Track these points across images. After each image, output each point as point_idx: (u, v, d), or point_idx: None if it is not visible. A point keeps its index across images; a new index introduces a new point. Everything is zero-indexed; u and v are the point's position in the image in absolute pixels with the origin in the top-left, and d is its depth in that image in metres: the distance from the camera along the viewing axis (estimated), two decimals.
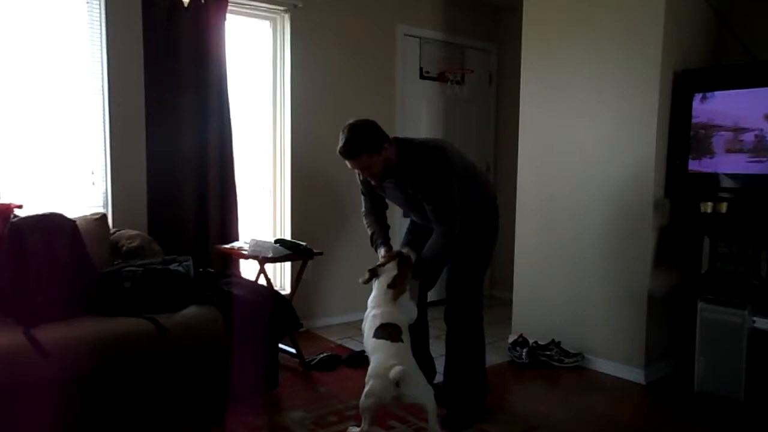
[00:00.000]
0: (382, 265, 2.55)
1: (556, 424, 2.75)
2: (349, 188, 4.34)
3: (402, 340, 2.37)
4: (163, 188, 3.46)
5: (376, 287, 2.53)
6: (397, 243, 2.91)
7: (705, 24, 3.36)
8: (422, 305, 3.00)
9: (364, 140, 2.49)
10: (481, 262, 2.77)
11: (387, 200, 2.85)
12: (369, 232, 2.85)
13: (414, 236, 2.86)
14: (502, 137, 5.15)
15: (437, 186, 2.53)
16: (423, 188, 2.55)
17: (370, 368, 2.30)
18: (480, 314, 2.78)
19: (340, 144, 2.50)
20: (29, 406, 2.23)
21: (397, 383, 2.20)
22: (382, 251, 2.71)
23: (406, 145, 2.61)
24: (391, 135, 4.71)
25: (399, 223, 4.70)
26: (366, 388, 2.25)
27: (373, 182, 2.67)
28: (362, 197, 2.88)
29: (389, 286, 2.48)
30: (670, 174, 3.24)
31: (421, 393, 2.29)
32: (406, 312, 2.52)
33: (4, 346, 2.20)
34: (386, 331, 2.38)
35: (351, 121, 2.54)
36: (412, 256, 2.57)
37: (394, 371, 2.18)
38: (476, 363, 2.81)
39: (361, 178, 2.74)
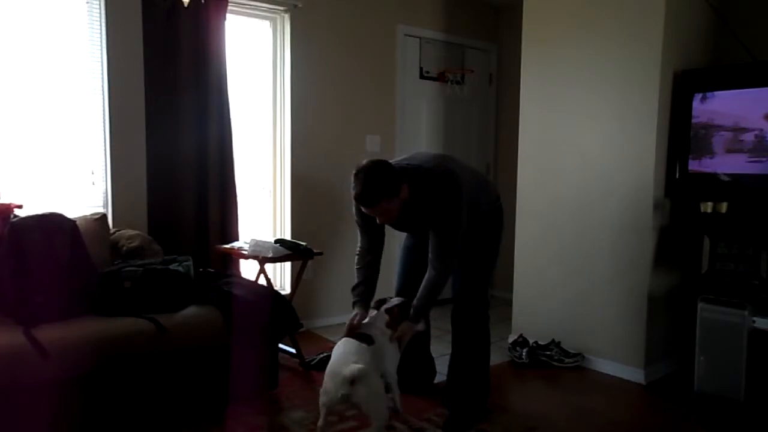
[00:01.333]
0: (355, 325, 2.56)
1: (556, 424, 2.75)
2: (349, 188, 4.34)
3: (368, 343, 2.38)
4: (163, 188, 3.46)
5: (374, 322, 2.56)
6: (390, 261, 2.89)
7: (705, 24, 3.36)
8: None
9: (382, 186, 2.36)
10: (489, 261, 2.75)
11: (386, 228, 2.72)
12: (356, 279, 2.75)
13: (412, 256, 2.86)
14: (502, 137, 5.15)
15: (446, 217, 2.46)
16: (432, 217, 2.48)
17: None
18: (486, 315, 2.76)
19: (357, 191, 2.37)
20: (29, 406, 2.23)
21: (352, 381, 2.14)
22: (355, 311, 2.66)
23: (414, 175, 2.47)
24: (391, 135, 4.72)
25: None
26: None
27: (387, 223, 2.58)
28: (358, 231, 2.74)
29: (388, 325, 2.53)
30: (670, 174, 3.24)
31: (373, 401, 2.21)
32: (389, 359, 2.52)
33: (4, 346, 2.20)
34: (358, 335, 2.44)
35: (363, 163, 2.40)
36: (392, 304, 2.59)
37: (351, 368, 2.14)
38: (480, 364, 2.80)
39: (361, 217, 2.66)
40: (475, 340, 2.76)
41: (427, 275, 2.54)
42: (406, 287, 2.95)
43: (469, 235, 2.60)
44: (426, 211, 2.49)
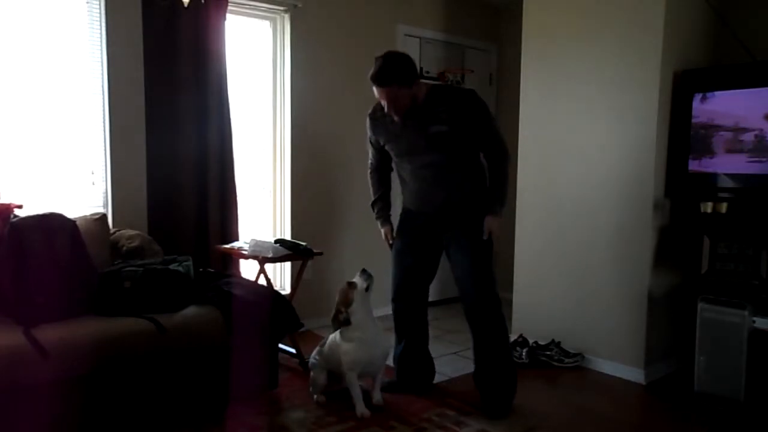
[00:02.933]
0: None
1: (556, 424, 2.75)
2: (349, 188, 4.35)
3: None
4: (163, 188, 3.46)
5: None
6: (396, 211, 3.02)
7: (705, 24, 3.36)
8: (422, 304, 3.01)
9: (397, 71, 2.52)
10: (489, 248, 2.78)
11: (393, 155, 2.84)
12: (372, 195, 3.02)
13: (408, 258, 2.95)
14: None
15: (486, 114, 2.66)
16: (468, 117, 2.61)
17: None
18: (498, 301, 2.79)
19: (373, 70, 2.53)
20: (29, 406, 2.23)
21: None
22: (383, 228, 3.00)
23: (436, 86, 2.67)
24: None
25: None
26: None
27: (395, 117, 2.65)
28: (370, 151, 2.97)
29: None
30: (670, 174, 3.24)
31: None
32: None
33: (4, 346, 2.20)
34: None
35: (387, 51, 2.61)
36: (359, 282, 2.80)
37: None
38: (505, 352, 2.85)
39: (372, 131, 2.83)
40: (493, 329, 2.79)
41: (490, 167, 2.71)
42: (404, 289, 2.98)
43: (474, 227, 2.69)
44: (455, 115, 2.60)
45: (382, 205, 3.02)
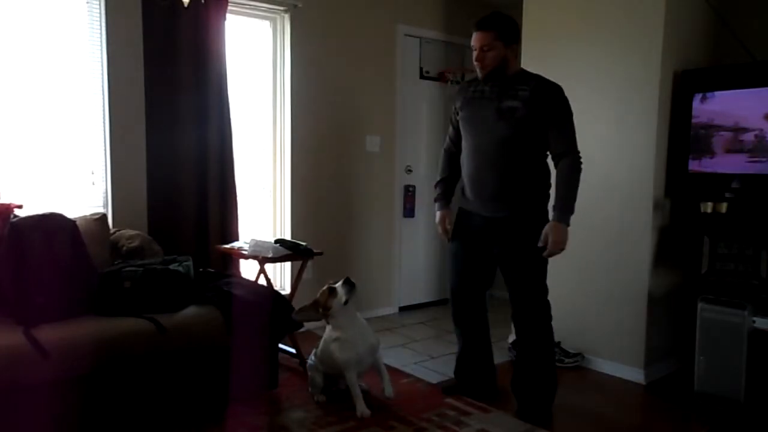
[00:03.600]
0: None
1: (556, 424, 2.75)
2: (349, 188, 4.36)
3: None
4: (163, 188, 3.46)
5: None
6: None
7: (705, 24, 3.36)
8: (478, 308, 2.95)
9: (502, 22, 2.56)
10: (544, 257, 2.65)
11: (462, 125, 2.78)
12: (438, 175, 2.96)
13: (460, 264, 2.85)
14: None
15: (567, 112, 2.60)
16: (548, 108, 2.56)
17: None
18: (548, 311, 2.74)
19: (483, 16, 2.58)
20: (29, 406, 2.23)
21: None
22: (440, 213, 2.90)
23: (527, 71, 2.68)
24: (391, 135, 4.73)
25: (400, 222, 4.70)
26: None
27: (479, 72, 2.63)
28: (449, 128, 2.93)
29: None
30: (670, 174, 3.24)
31: None
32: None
33: (4, 346, 2.20)
34: None
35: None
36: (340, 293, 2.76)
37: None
38: (549, 360, 2.80)
39: (457, 112, 2.79)
40: (541, 335, 2.75)
41: (559, 170, 2.59)
42: (459, 293, 2.93)
43: (532, 236, 2.60)
44: (528, 100, 2.56)
45: (444, 188, 2.93)
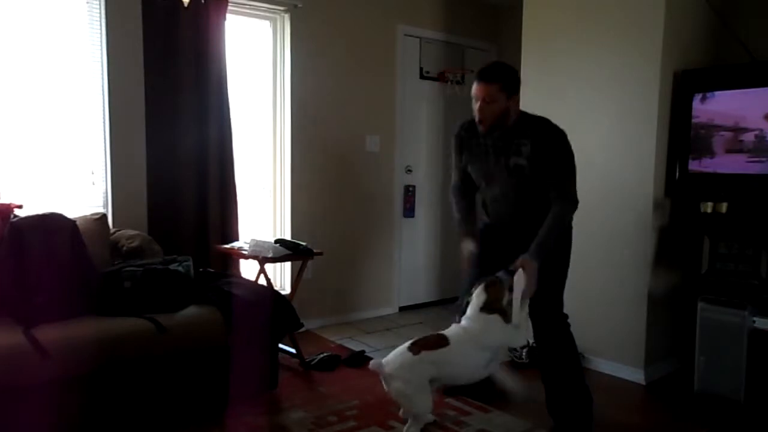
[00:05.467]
0: (471, 293, 2.47)
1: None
2: (349, 188, 4.36)
3: (416, 353, 2.31)
4: (163, 188, 3.46)
5: (470, 308, 2.45)
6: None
7: (705, 24, 3.36)
8: None
9: (506, 73, 2.52)
10: (563, 273, 2.68)
11: (474, 177, 2.72)
12: (456, 214, 2.83)
13: (477, 269, 2.68)
14: None
15: (565, 159, 2.53)
16: (548, 157, 2.49)
17: None
18: (566, 322, 2.69)
19: (484, 66, 2.56)
20: (29, 406, 2.22)
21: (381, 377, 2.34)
22: (466, 247, 2.69)
23: (527, 114, 2.60)
24: (391, 135, 4.72)
25: (400, 222, 4.70)
26: None
27: (480, 126, 2.54)
28: (453, 172, 2.81)
29: (481, 309, 2.38)
30: (670, 174, 3.24)
31: (398, 396, 2.34)
32: (497, 337, 2.41)
33: (4, 346, 2.20)
34: (422, 338, 2.41)
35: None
36: (506, 280, 2.42)
37: (372, 363, 2.37)
38: (575, 374, 2.71)
39: (458, 153, 2.72)
40: (562, 349, 2.68)
41: (551, 211, 2.50)
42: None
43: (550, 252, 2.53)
44: (540, 148, 2.50)
45: (467, 223, 2.79)
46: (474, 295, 2.45)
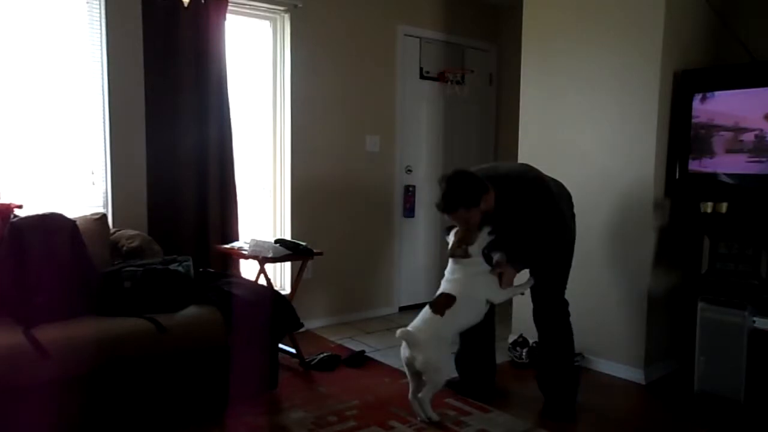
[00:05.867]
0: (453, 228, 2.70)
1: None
2: (349, 188, 4.35)
3: (442, 313, 2.56)
4: (163, 188, 3.46)
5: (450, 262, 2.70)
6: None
7: (705, 24, 3.36)
8: (490, 309, 2.96)
9: (460, 194, 2.50)
10: (567, 265, 2.86)
11: None
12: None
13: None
14: (502, 137, 5.14)
15: (548, 207, 2.62)
16: (533, 219, 2.59)
17: None
18: (567, 311, 2.86)
19: (438, 198, 2.54)
20: (29, 406, 2.22)
21: (408, 345, 2.49)
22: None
23: (501, 183, 2.59)
24: (391, 135, 4.72)
25: (400, 222, 4.69)
26: None
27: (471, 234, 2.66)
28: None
29: (456, 246, 2.63)
30: (670, 174, 3.24)
31: (428, 364, 2.49)
32: (483, 291, 2.66)
33: (4, 346, 2.20)
34: (435, 301, 2.66)
35: (448, 173, 2.57)
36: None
37: (399, 331, 2.50)
38: (569, 355, 2.90)
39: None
40: (561, 335, 2.85)
41: (541, 231, 2.63)
42: None
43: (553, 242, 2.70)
44: (522, 217, 2.60)
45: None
46: (451, 234, 2.71)
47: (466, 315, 2.65)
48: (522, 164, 2.93)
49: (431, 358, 2.48)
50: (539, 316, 2.90)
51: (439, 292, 2.70)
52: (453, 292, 2.62)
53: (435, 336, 2.52)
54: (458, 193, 2.50)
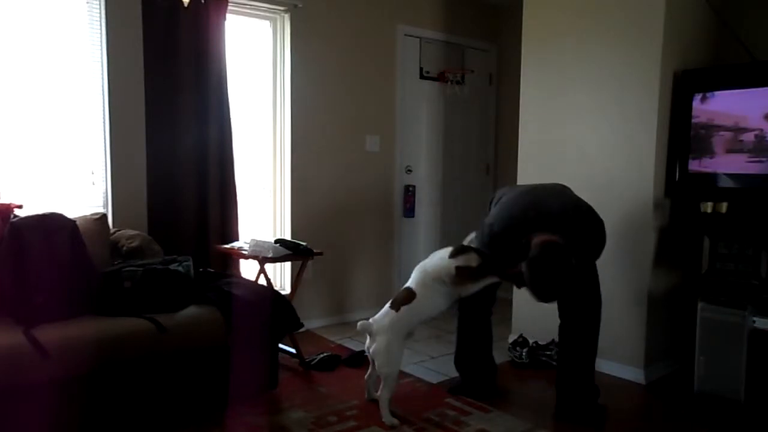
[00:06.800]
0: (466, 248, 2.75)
1: (555, 425, 2.75)
2: (349, 188, 4.35)
3: (397, 309, 2.70)
4: (163, 188, 3.46)
5: (428, 258, 2.83)
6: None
7: (705, 24, 3.36)
8: (486, 307, 3.03)
9: (564, 281, 2.47)
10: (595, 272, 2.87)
11: None
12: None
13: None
14: (502, 137, 5.15)
15: (601, 243, 2.68)
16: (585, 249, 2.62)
17: None
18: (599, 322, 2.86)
19: (540, 294, 2.49)
20: (29, 406, 2.23)
21: (369, 335, 2.70)
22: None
23: (562, 225, 2.51)
24: (391, 135, 4.70)
25: (400, 222, 4.69)
26: None
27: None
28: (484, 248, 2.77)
29: (451, 255, 2.71)
30: (670, 174, 3.24)
31: (377, 353, 2.67)
32: (439, 295, 2.76)
33: (4, 346, 2.20)
34: (397, 295, 2.80)
35: (540, 254, 2.43)
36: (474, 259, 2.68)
37: (359, 323, 2.71)
38: (590, 365, 2.86)
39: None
40: (587, 342, 2.85)
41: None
42: None
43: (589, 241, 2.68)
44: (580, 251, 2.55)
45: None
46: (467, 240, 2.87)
47: (427, 309, 2.76)
48: (559, 190, 2.79)
49: (380, 348, 2.65)
50: (570, 317, 2.84)
51: (408, 282, 2.81)
52: (415, 288, 2.75)
53: (389, 328, 2.67)
54: (559, 283, 2.43)
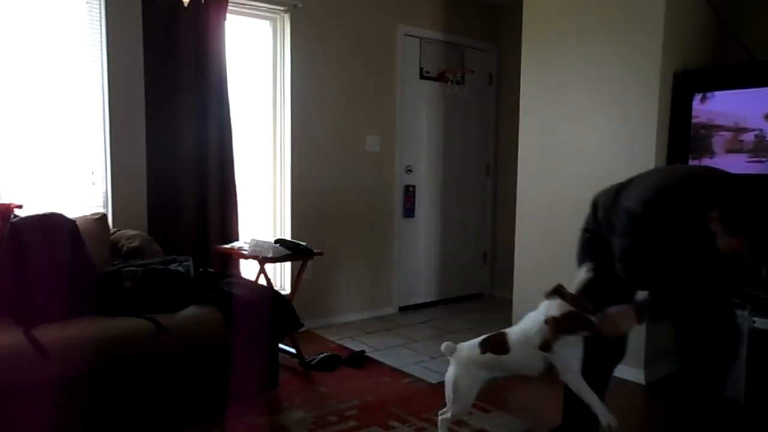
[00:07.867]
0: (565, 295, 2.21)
1: (555, 425, 2.75)
2: (349, 188, 4.36)
3: (483, 352, 2.30)
4: (163, 188, 3.46)
5: (539, 310, 2.30)
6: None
7: (705, 24, 3.36)
8: (605, 376, 2.59)
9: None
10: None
11: None
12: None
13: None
14: (502, 137, 5.15)
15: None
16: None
17: None
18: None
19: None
20: (29, 406, 2.22)
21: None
22: (583, 270, 2.31)
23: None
24: (391, 135, 4.70)
25: (400, 222, 4.69)
26: None
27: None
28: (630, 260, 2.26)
29: (546, 321, 2.17)
30: None
31: (447, 387, 2.32)
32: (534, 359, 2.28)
33: (4, 346, 2.20)
34: (494, 335, 2.35)
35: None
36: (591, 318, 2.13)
37: (444, 344, 2.34)
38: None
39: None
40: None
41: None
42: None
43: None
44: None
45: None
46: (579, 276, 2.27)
47: (515, 367, 2.35)
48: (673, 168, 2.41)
49: (449, 377, 2.33)
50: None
51: (515, 326, 2.39)
52: (511, 340, 2.30)
53: (464, 365, 2.32)
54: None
